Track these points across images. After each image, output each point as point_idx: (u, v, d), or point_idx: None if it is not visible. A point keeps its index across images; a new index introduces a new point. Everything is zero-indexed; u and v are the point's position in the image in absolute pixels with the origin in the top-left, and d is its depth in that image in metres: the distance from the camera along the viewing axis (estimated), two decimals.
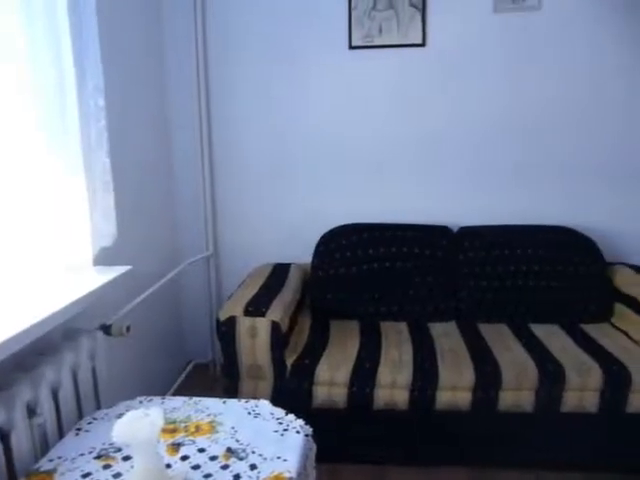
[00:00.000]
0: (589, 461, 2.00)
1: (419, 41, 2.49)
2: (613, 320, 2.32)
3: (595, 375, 1.92)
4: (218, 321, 2.01)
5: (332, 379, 1.97)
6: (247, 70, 2.58)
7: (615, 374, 1.92)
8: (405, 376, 1.95)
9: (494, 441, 2.01)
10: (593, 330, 2.23)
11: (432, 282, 2.37)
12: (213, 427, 1.34)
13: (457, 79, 2.52)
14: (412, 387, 1.95)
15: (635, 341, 2.12)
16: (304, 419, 1.41)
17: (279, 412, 1.42)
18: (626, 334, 2.19)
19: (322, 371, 1.98)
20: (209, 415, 1.40)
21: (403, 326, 2.31)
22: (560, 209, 2.57)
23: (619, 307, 2.32)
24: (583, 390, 1.92)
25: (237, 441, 1.29)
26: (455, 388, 1.94)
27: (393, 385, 1.95)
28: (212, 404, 1.46)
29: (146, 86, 2.40)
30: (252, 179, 2.69)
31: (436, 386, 1.94)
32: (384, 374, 1.96)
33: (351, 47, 2.52)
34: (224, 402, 1.48)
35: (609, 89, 2.47)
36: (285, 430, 1.34)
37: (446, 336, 2.20)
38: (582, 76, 2.47)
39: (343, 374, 1.97)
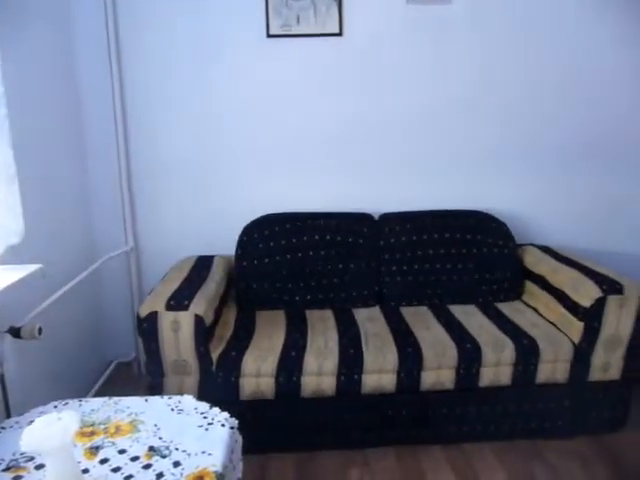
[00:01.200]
0: (504, 431, 2.12)
1: (336, 31, 2.51)
2: (524, 298, 2.47)
3: (508, 350, 2.03)
4: (139, 317, 1.95)
5: (259, 370, 1.96)
6: (164, 60, 2.49)
7: (526, 348, 2.04)
8: (331, 362, 1.98)
9: (419, 419, 2.08)
10: (506, 308, 2.37)
11: (355, 269, 2.42)
12: (134, 426, 1.30)
13: (374, 68, 2.56)
14: (338, 373, 1.98)
15: (543, 316, 2.27)
16: (232, 412, 1.40)
17: (203, 406, 1.41)
18: (535, 310, 2.34)
19: (248, 362, 1.97)
20: (130, 414, 1.36)
21: (328, 313, 2.34)
22: (474, 194, 2.69)
23: (529, 285, 2.47)
24: (498, 365, 2.04)
25: (160, 439, 1.26)
26: (380, 371, 2.00)
27: (320, 372, 1.98)
28: (133, 403, 1.42)
29: (54, 73, 2.26)
30: (173, 170, 2.61)
31: (361, 370, 1.99)
32: (310, 362, 1.97)
33: (269, 36, 2.50)
34: (146, 400, 1.44)
35: (513, 80, 2.60)
36: (210, 424, 1.32)
37: (370, 321, 2.25)
38: (490, 67, 2.58)
39: (269, 364, 1.97)
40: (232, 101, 2.56)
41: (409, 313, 2.32)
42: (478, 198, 2.68)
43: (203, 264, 2.41)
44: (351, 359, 1.99)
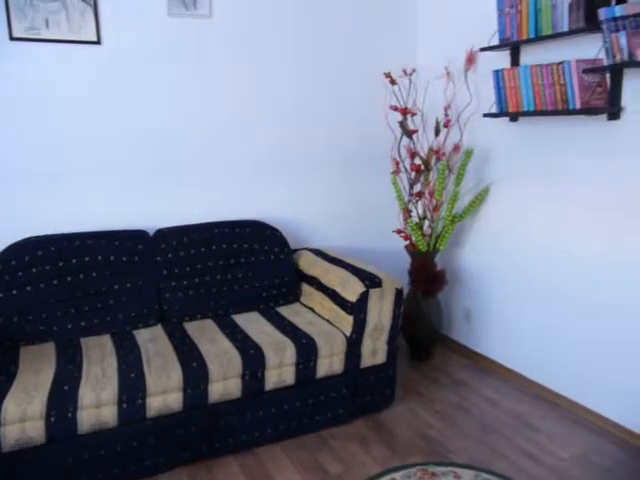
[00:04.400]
0: (292, 429, 2.22)
1: (93, 38, 2.37)
2: (302, 299, 2.63)
3: (290, 351, 2.14)
4: None
5: (24, 414, 1.74)
6: None
7: (305, 347, 2.18)
8: (110, 391, 1.85)
9: (210, 433, 2.06)
10: (286, 311, 2.49)
11: (132, 288, 2.30)
12: None
13: (136, 78, 2.47)
14: (119, 400, 1.87)
15: (320, 315, 2.45)
16: None
17: None
18: (312, 310, 2.51)
19: (10, 408, 1.73)
20: None
21: (106, 339, 2.19)
22: (248, 205, 2.79)
23: (305, 287, 2.64)
24: (281, 367, 2.14)
25: None
26: (165, 391, 1.94)
27: (98, 403, 1.84)
28: None
29: None
30: None
31: (145, 394, 1.90)
32: (86, 394, 1.82)
33: (12, 39, 2.24)
34: None
35: (279, 93, 2.77)
36: None
37: (152, 341, 2.16)
38: (253, 79, 2.70)
39: (37, 405, 1.76)
40: None
41: (193, 327, 2.30)
42: (252, 208, 2.78)
43: None
44: (132, 384, 1.89)
